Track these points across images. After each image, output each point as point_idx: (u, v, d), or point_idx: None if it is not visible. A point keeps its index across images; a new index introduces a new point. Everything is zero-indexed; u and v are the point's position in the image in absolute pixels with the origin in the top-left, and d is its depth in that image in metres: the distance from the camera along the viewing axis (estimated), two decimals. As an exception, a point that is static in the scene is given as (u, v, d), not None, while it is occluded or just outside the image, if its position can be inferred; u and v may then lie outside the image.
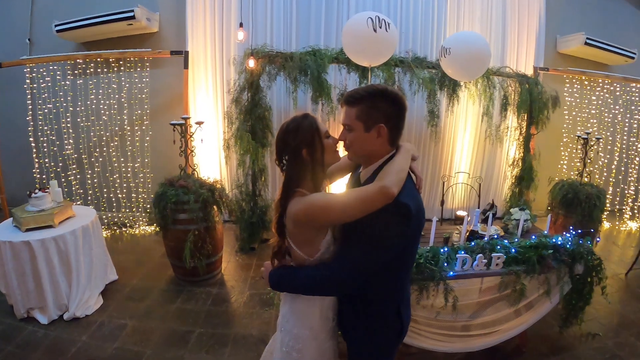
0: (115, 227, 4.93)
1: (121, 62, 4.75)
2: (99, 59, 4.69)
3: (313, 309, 1.40)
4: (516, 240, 2.58)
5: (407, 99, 4.70)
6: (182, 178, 3.52)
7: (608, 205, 5.41)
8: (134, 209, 5.04)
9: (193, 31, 4.87)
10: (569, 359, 2.82)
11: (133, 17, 4.35)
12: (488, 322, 2.49)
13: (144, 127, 4.92)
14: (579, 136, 4.91)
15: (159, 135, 4.93)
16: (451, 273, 2.27)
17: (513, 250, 2.46)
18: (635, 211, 6.49)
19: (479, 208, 3.82)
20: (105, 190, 4.96)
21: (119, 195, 4.99)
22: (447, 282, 2.25)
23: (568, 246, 2.62)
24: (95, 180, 4.92)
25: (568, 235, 2.73)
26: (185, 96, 4.89)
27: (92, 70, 4.73)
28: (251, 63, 4.05)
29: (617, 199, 6.27)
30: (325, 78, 4.29)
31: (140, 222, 4.94)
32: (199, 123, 3.63)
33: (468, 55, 3.56)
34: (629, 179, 6.46)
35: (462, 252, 2.35)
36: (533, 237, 2.63)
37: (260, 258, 4.27)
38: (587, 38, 5.85)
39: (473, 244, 2.44)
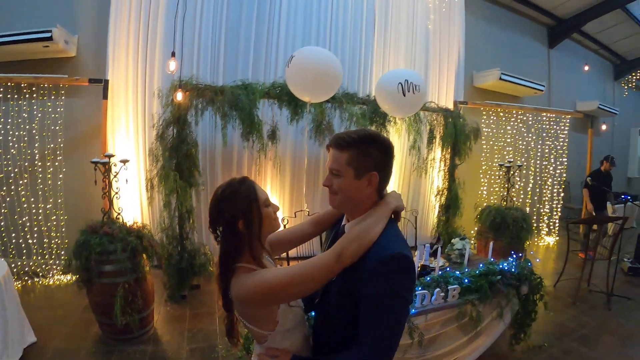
0: (26, 278, 4.22)
1: (34, 88, 4.21)
2: (9, 83, 4.12)
3: None
4: (466, 270, 2.61)
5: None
6: (106, 224, 3.10)
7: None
8: (46, 257, 4.35)
9: (114, 58, 4.49)
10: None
11: (50, 39, 3.90)
12: (449, 351, 2.46)
13: (57, 164, 4.36)
14: (501, 164, 5.31)
15: (74, 173, 4.41)
16: (413, 311, 2.21)
17: (466, 280, 2.49)
18: (552, 227, 7.18)
19: (415, 241, 3.87)
20: (14, 234, 4.26)
21: (30, 241, 4.31)
22: (411, 320, 2.17)
23: (513, 270, 2.74)
24: (2, 223, 4.22)
25: (511, 259, 2.85)
26: (104, 130, 4.43)
27: (0, 95, 4.13)
28: (179, 96, 3.77)
29: (534, 217, 6.86)
30: (256, 114, 4.13)
31: (55, 272, 4.28)
32: (124, 161, 3.27)
33: (423, 92, 3.62)
34: (544, 198, 7.17)
35: (420, 289, 2.31)
36: (481, 265, 2.69)
37: (193, 307, 3.88)
38: (502, 73, 6.49)
39: (428, 279, 2.42)
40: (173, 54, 3.78)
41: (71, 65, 4.49)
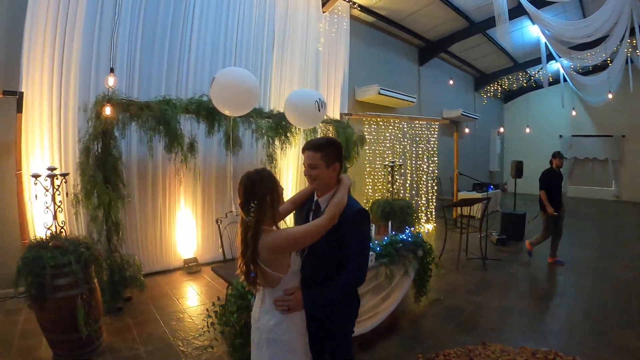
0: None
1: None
2: None
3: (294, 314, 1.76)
4: (376, 242, 3.49)
5: (248, 145, 5.49)
6: (53, 238, 3.16)
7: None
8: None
9: (29, 70, 4.34)
10: (429, 319, 3.95)
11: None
12: (373, 305, 3.28)
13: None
14: (385, 165, 6.48)
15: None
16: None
17: (378, 249, 3.38)
18: (429, 216, 8.71)
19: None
20: None
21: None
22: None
23: (410, 240, 3.70)
24: None
25: (407, 232, 3.82)
26: (19, 144, 4.26)
27: None
28: (107, 111, 3.91)
29: (415, 208, 8.24)
30: (179, 127, 4.46)
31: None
32: (64, 175, 3.38)
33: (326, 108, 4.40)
34: (420, 192, 8.67)
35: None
36: (386, 237, 3.59)
37: (133, 316, 3.95)
38: (381, 88, 7.76)
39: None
40: (112, 70, 3.92)
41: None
